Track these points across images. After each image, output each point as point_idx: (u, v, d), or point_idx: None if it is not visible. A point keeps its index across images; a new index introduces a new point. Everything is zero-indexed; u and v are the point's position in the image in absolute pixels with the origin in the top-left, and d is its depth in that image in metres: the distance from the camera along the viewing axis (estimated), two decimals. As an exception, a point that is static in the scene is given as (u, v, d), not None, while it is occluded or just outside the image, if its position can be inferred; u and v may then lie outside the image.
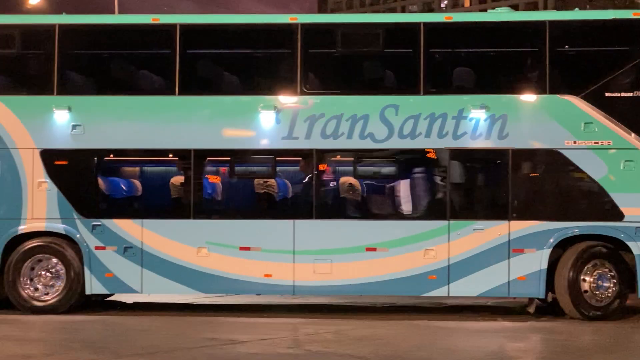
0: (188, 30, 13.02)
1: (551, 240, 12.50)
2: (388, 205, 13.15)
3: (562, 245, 12.61)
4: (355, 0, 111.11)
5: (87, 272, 12.83)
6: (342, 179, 13.00)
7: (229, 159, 13.03)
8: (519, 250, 12.54)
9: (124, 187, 13.25)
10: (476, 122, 12.65)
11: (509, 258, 12.55)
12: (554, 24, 12.73)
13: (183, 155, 12.97)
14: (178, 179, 13.07)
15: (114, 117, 12.99)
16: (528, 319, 12.74)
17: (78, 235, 12.85)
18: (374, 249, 12.68)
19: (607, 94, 12.54)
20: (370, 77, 13.18)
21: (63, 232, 12.88)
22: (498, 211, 12.67)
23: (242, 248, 12.77)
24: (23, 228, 12.88)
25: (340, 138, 12.75)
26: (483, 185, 13.14)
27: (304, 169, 13.02)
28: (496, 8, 13.69)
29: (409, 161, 13.09)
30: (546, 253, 12.51)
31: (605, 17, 12.97)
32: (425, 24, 12.90)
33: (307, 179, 12.95)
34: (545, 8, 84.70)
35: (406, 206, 13.02)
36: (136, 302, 14.15)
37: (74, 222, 12.87)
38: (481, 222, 12.63)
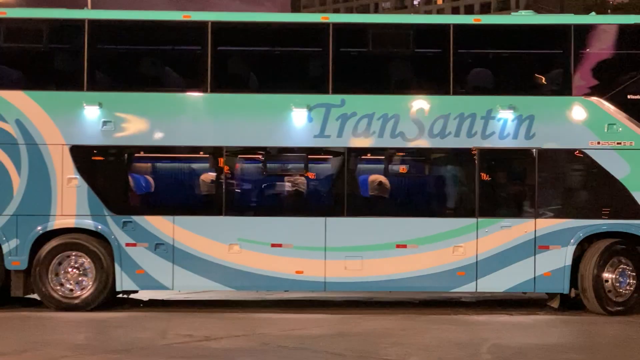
0: (220, 27, 13.06)
1: (576, 237, 12.93)
2: (418, 203, 13.43)
3: (583, 243, 13.06)
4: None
5: (117, 268, 12.81)
6: (373, 177, 13.21)
7: (260, 156, 13.14)
8: (545, 247, 12.93)
9: (154, 184, 13.21)
10: (504, 122, 12.99)
11: (534, 255, 12.94)
12: (579, 27, 13.14)
13: (215, 152, 13.01)
14: (210, 176, 13.11)
15: (145, 114, 12.97)
16: (550, 313, 13.13)
17: (108, 232, 12.81)
18: (405, 246, 12.93)
19: (629, 96, 13.01)
20: (401, 77, 13.39)
21: (93, 229, 12.83)
22: (524, 209, 13.07)
23: (273, 245, 12.89)
24: (53, 224, 12.78)
25: (371, 137, 12.96)
26: (510, 184, 13.47)
27: (336, 167, 13.18)
28: (519, 11, 14.01)
29: (439, 160, 13.41)
30: (570, 250, 12.93)
31: (628, 21, 13.40)
32: (454, 25, 13.17)
33: (338, 176, 13.13)
34: (517, 7, 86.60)
35: (436, 204, 13.34)
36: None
37: (104, 219, 12.83)
38: (508, 220, 12.98)
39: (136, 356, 9.47)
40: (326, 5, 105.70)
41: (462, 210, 13.12)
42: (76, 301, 12.80)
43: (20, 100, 12.80)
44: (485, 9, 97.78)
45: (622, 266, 13.00)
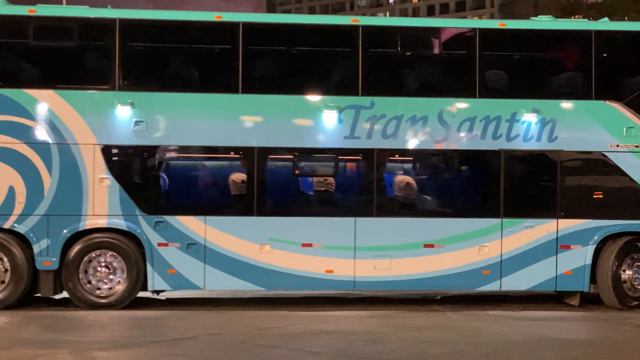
0: (251, 28, 13.15)
1: (595, 237, 13.41)
2: (445, 204, 13.77)
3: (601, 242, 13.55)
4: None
5: (149, 268, 12.85)
6: (402, 178, 13.50)
7: (291, 157, 13.28)
8: (566, 247, 13.38)
9: (186, 184, 13.27)
10: (528, 125, 13.36)
11: (556, 254, 13.38)
12: (599, 33, 13.57)
13: (246, 153, 13.11)
14: (241, 177, 13.20)
15: (176, 114, 12.99)
16: (572, 309, 13.57)
17: (140, 232, 12.84)
18: (432, 246, 13.23)
19: None
20: (429, 79, 13.66)
21: (125, 229, 12.84)
22: (547, 210, 13.46)
23: (304, 245, 13.07)
24: (84, 224, 12.76)
25: (399, 138, 13.21)
26: (533, 185, 13.83)
27: (365, 167, 13.41)
28: (539, 16, 14.39)
29: (465, 161, 13.76)
30: (591, 249, 13.41)
31: (646, 28, 13.92)
32: (480, 29, 13.49)
33: (367, 177, 13.37)
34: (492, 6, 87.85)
35: (462, 205, 13.68)
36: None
37: (136, 219, 12.85)
38: (532, 220, 13.38)
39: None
40: (301, 3, 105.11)
41: (488, 210, 13.45)
42: (107, 300, 12.82)
43: (51, 99, 12.74)
44: (460, 8, 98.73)
45: (638, 263, 13.57)
